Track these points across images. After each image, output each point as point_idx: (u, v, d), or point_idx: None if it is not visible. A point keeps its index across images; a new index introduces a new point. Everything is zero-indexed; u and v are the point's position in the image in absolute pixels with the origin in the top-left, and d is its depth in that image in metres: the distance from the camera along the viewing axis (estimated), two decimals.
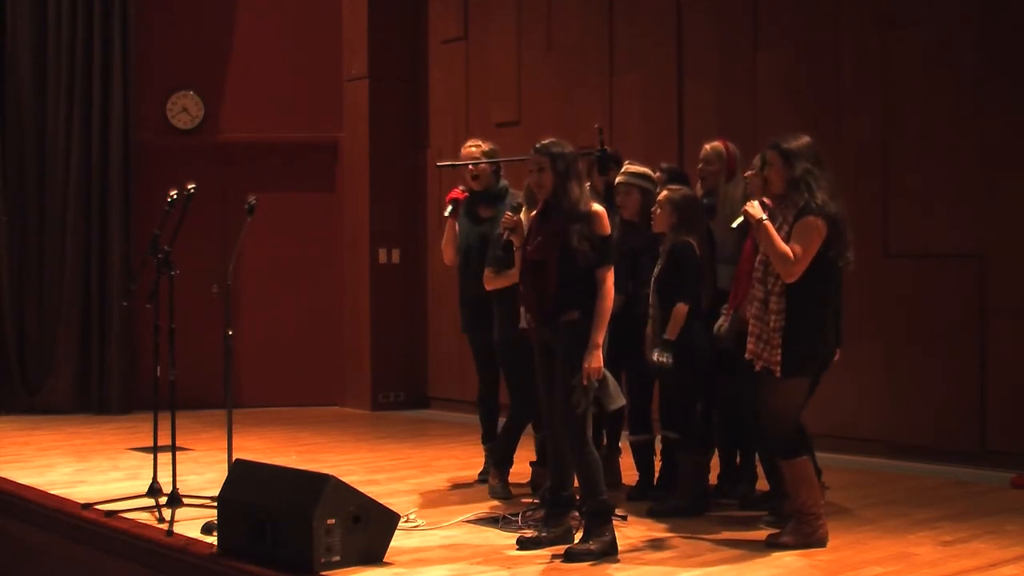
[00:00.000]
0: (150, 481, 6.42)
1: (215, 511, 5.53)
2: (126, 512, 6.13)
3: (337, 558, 5.00)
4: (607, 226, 5.36)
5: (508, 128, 10.07)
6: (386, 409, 10.89)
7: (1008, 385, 7.36)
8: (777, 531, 5.58)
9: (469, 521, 6.01)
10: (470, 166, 6.96)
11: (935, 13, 7.71)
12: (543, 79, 10.05)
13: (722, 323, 6.08)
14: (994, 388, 7.43)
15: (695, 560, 5.25)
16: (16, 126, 10.77)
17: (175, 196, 6.46)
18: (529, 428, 6.83)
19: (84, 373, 10.79)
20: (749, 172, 6.15)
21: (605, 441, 6.89)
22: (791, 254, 5.28)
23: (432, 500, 6.64)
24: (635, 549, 5.42)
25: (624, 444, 6.84)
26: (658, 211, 6.19)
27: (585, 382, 5.26)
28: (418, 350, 11.14)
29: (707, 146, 6.69)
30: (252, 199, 6.50)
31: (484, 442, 7.16)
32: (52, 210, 10.77)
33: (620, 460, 6.95)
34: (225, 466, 6.09)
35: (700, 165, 6.71)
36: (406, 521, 5.78)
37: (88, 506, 6.30)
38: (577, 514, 5.53)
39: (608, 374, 5.65)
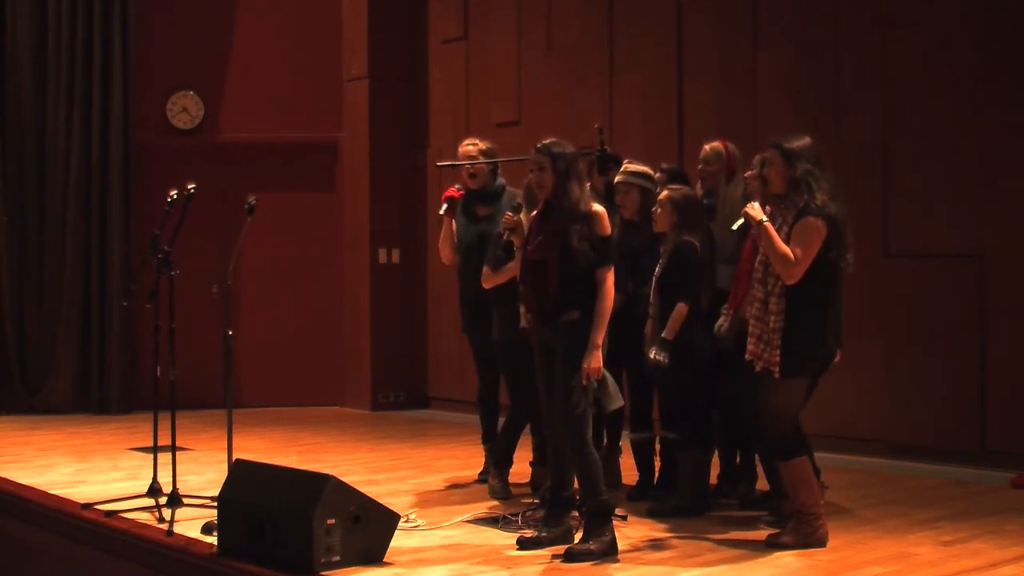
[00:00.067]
0: (150, 481, 6.42)
1: (215, 511, 5.53)
2: (126, 512, 6.13)
3: (337, 558, 5.00)
4: (607, 226, 5.36)
5: (508, 128, 10.07)
6: (386, 409, 10.89)
7: (1008, 385, 7.36)
8: (777, 531, 5.58)
9: (469, 521, 6.01)
10: (468, 166, 6.95)
11: (935, 13, 7.71)
12: (543, 79, 10.05)
13: (722, 323, 6.09)
14: (994, 388, 7.43)
15: (695, 560, 5.25)
16: (16, 126, 10.77)
17: (175, 196, 6.46)
18: (528, 429, 6.82)
19: (84, 373, 10.79)
20: (749, 172, 6.15)
21: (605, 441, 6.89)
22: (792, 255, 5.28)
23: (432, 500, 6.63)
24: (635, 549, 5.42)
25: (624, 444, 6.84)
26: (659, 211, 6.19)
27: (584, 382, 5.26)
28: (418, 350, 11.14)
29: (707, 146, 6.69)
30: (252, 199, 6.50)
31: (484, 442, 7.16)
32: (52, 210, 10.78)
33: (620, 460, 6.95)
34: (225, 466, 6.09)
35: (700, 166, 6.71)
36: (406, 521, 5.78)
37: (88, 506, 6.30)
38: (577, 514, 5.53)
39: (607, 374, 5.65)
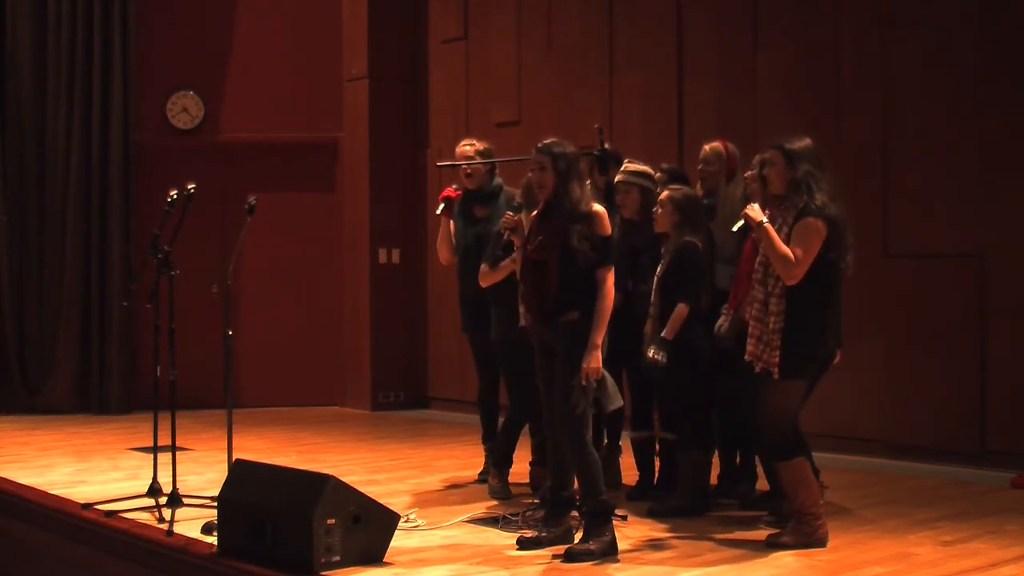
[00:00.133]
0: (150, 481, 6.42)
1: (215, 511, 5.53)
2: (126, 512, 6.13)
3: (337, 558, 5.00)
4: (608, 226, 5.36)
5: (508, 128, 10.07)
6: (386, 409, 10.89)
7: (1008, 385, 7.36)
8: (777, 531, 5.58)
9: (469, 521, 6.01)
10: (464, 166, 6.95)
11: (935, 13, 7.71)
12: (543, 79, 10.05)
13: (722, 323, 6.09)
14: (994, 388, 7.43)
15: (695, 560, 5.25)
16: (16, 126, 10.77)
17: (175, 196, 6.46)
18: (526, 429, 6.82)
19: (84, 373, 10.79)
20: (749, 172, 6.15)
21: (605, 441, 6.89)
22: (792, 256, 5.28)
23: (432, 500, 6.63)
24: (635, 549, 5.42)
25: (624, 444, 6.84)
26: (660, 211, 6.19)
27: (584, 382, 5.26)
28: (418, 350, 11.14)
29: (706, 147, 6.69)
30: (252, 199, 6.50)
31: (484, 442, 7.16)
32: (52, 210, 10.78)
33: (620, 460, 6.95)
34: (225, 466, 6.09)
35: (700, 166, 6.71)
36: (406, 521, 5.78)
37: (88, 506, 6.30)
38: (577, 514, 5.53)
39: (607, 374, 5.66)
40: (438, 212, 7.05)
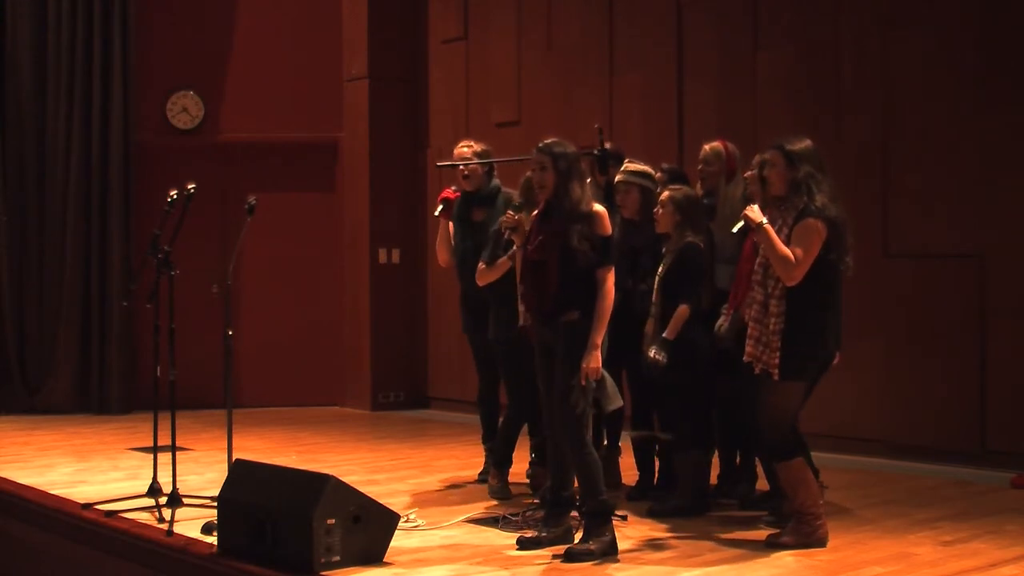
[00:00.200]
0: (150, 481, 6.42)
1: (215, 511, 5.53)
2: (126, 512, 6.13)
3: (337, 558, 5.00)
4: (608, 226, 5.36)
5: (508, 128, 10.08)
6: (386, 409, 10.89)
7: (1008, 385, 7.36)
8: (777, 531, 5.58)
9: (469, 521, 6.01)
10: (462, 167, 6.95)
11: (935, 13, 7.71)
12: (543, 79, 10.05)
13: (722, 323, 6.09)
14: (994, 388, 7.43)
15: (695, 560, 5.25)
16: (16, 126, 10.77)
17: (175, 196, 6.46)
18: (524, 430, 6.82)
19: (84, 373, 10.79)
20: (749, 172, 6.15)
21: (605, 441, 6.89)
22: (792, 257, 5.28)
23: (432, 500, 6.63)
24: (635, 549, 5.42)
25: (624, 444, 6.84)
26: (661, 211, 6.19)
27: (584, 382, 5.26)
28: (418, 350, 11.14)
29: (706, 146, 6.69)
30: (252, 199, 6.50)
31: (484, 442, 7.15)
32: (52, 210, 10.78)
33: (620, 460, 6.95)
34: (225, 466, 6.09)
35: (700, 166, 6.71)
36: (406, 521, 5.78)
37: (88, 506, 6.30)
38: (577, 514, 5.53)
39: (607, 375, 5.65)
40: (436, 214, 7.05)
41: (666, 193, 6.22)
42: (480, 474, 7.15)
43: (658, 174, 6.62)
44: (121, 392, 10.72)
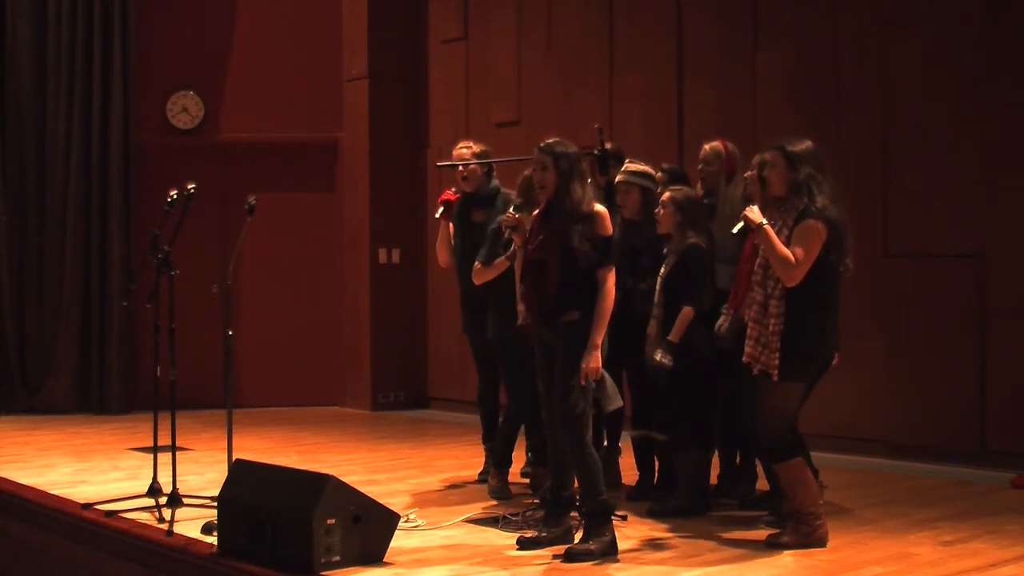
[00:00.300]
0: (150, 481, 6.42)
1: (215, 511, 5.53)
2: (126, 512, 6.13)
3: (337, 558, 5.00)
4: (609, 227, 5.36)
5: (508, 128, 10.08)
6: (386, 409, 10.89)
7: (1008, 385, 7.36)
8: (777, 531, 5.58)
9: (469, 521, 6.01)
10: (461, 167, 6.94)
11: (935, 13, 7.71)
12: (543, 79, 10.05)
13: (722, 323, 6.09)
14: (994, 388, 7.43)
15: (695, 560, 5.25)
16: (16, 126, 10.77)
17: (175, 196, 6.46)
18: (523, 430, 6.83)
19: (84, 373, 10.79)
20: (749, 173, 6.15)
21: (605, 441, 6.89)
22: (792, 258, 5.27)
23: (432, 500, 6.64)
24: (635, 549, 5.42)
25: (624, 444, 6.84)
26: (662, 212, 6.19)
27: (583, 382, 5.26)
28: (418, 350, 11.14)
29: (706, 146, 6.69)
30: (252, 199, 6.50)
31: (484, 442, 7.15)
32: (52, 210, 10.78)
33: (620, 460, 6.95)
34: (225, 466, 6.09)
35: (700, 166, 6.71)
36: (406, 521, 5.78)
37: (88, 506, 6.30)
38: (577, 514, 5.53)
39: (606, 375, 5.65)
40: (437, 216, 7.06)
41: (667, 194, 6.22)
42: (480, 474, 7.16)
43: (658, 174, 6.62)
44: (121, 392, 10.72)
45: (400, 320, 11.08)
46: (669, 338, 6.04)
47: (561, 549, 5.29)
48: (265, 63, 11.20)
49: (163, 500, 6.18)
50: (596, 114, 9.12)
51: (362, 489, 5.23)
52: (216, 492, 5.56)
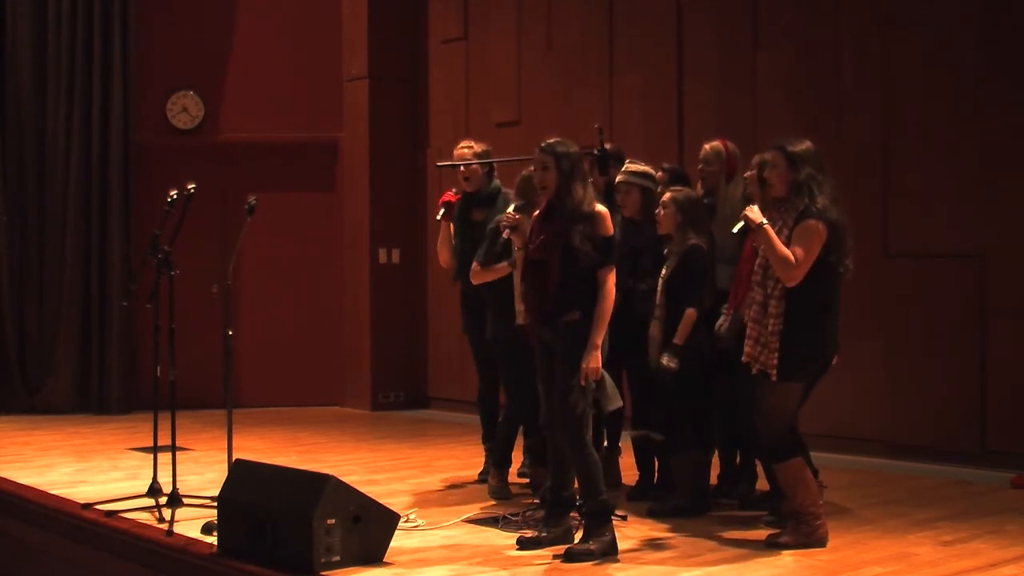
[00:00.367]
0: (150, 481, 6.42)
1: (215, 511, 5.53)
2: (126, 512, 6.13)
3: (337, 558, 5.00)
4: (610, 227, 5.35)
5: (508, 128, 10.08)
6: (386, 409, 10.89)
7: (1008, 385, 7.36)
8: (777, 531, 5.58)
9: (469, 521, 6.01)
10: (462, 167, 6.94)
11: (935, 13, 7.71)
12: (543, 79, 10.05)
13: (722, 323, 6.08)
14: (994, 388, 7.43)
15: (695, 560, 5.25)
16: (16, 126, 10.77)
17: (175, 196, 6.46)
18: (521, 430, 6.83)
19: (84, 373, 10.79)
20: (749, 172, 6.15)
21: (605, 441, 6.89)
22: (792, 258, 5.27)
23: (432, 500, 6.64)
24: (635, 549, 5.42)
25: (624, 444, 6.84)
26: (662, 212, 6.19)
27: (583, 382, 5.26)
28: (418, 350, 11.14)
29: (706, 146, 6.69)
30: (252, 199, 6.50)
31: (484, 442, 7.15)
32: (52, 210, 10.78)
33: (620, 460, 6.95)
34: (225, 466, 6.09)
35: (700, 166, 6.71)
36: (406, 521, 5.78)
37: (88, 506, 6.30)
38: (577, 514, 5.53)
39: (606, 375, 5.65)
40: (438, 218, 7.07)
41: (668, 194, 6.22)
42: (480, 474, 7.15)
43: (659, 174, 6.62)
44: (121, 392, 10.72)
45: (400, 320, 11.08)
46: (674, 341, 6.03)
47: (561, 549, 5.29)
48: (265, 63, 11.20)
49: (163, 500, 6.18)
50: (596, 114, 9.12)
51: (362, 489, 5.23)
52: (216, 492, 5.56)
